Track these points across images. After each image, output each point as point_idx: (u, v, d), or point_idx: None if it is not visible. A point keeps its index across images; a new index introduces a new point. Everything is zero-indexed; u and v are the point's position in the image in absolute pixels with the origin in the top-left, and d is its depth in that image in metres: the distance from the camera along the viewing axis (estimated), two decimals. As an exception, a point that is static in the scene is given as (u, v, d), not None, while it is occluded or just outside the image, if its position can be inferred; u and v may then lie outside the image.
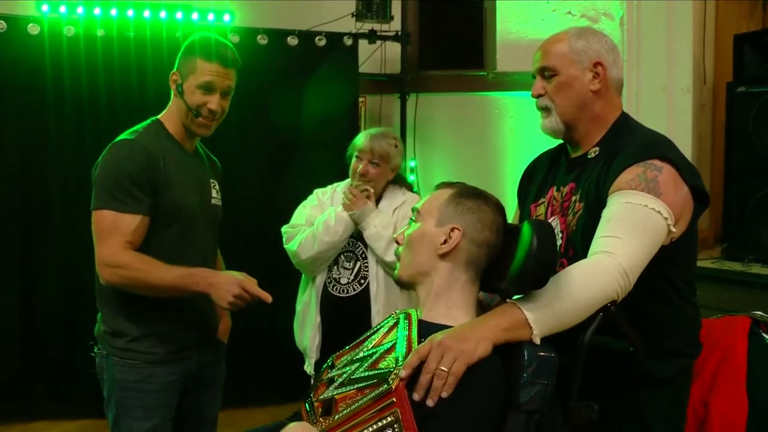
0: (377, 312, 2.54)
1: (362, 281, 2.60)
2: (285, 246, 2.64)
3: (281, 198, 3.51)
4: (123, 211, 1.89)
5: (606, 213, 1.50)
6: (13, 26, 3.47)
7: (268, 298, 1.84)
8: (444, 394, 1.24)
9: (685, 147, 3.73)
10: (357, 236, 2.61)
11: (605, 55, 1.66)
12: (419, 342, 1.31)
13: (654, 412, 1.63)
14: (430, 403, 1.23)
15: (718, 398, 1.71)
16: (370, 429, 1.20)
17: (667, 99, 3.76)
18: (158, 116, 2.06)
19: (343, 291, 2.61)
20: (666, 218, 1.47)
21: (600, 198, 1.55)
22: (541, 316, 1.34)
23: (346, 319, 2.58)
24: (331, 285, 2.62)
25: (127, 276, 1.88)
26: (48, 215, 3.58)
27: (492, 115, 4.19)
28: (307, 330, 2.63)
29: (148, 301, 1.95)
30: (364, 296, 2.58)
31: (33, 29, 3.46)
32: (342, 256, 2.62)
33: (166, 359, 2.01)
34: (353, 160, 2.63)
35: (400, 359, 1.26)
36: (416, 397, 1.24)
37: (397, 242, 1.52)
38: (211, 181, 2.17)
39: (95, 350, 2.07)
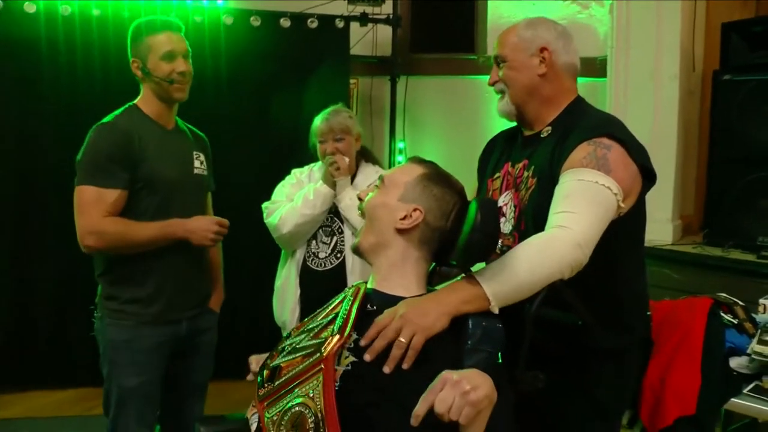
0: None
1: (338, 255, 2.66)
2: (265, 220, 2.70)
3: (271, 177, 3.55)
4: (103, 186, 2.10)
5: (560, 190, 1.56)
6: (10, 5, 3.50)
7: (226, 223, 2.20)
8: (405, 366, 1.29)
9: (671, 133, 3.75)
10: (333, 212, 2.68)
11: (553, 42, 1.76)
12: (358, 315, 1.38)
13: (600, 383, 1.69)
14: (386, 369, 1.28)
15: (674, 374, 1.79)
16: (298, 392, 1.29)
17: (654, 86, 3.76)
18: (134, 101, 2.26)
19: (321, 265, 2.68)
20: (616, 194, 1.54)
21: (553, 175, 1.62)
22: (499, 288, 1.40)
23: (325, 292, 2.62)
24: (311, 259, 2.68)
25: (109, 239, 2.11)
26: (44, 188, 3.64)
27: (481, 99, 4.21)
28: (288, 303, 2.69)
29: (139, 268, 2.17)
30: (341, 270, 2.64)
31: (29, 8, 3.50)
32: (321, 231, 2.68)
33: (155, 320, 2.20)
34: (317, 146, 2.70)
35: (335, 330, 1.33)
36: (367, 358, 1.30)
37: (360, 198, 1.56)
38: (195, 152, 2.34)
39: (95, 315, 2.26)
